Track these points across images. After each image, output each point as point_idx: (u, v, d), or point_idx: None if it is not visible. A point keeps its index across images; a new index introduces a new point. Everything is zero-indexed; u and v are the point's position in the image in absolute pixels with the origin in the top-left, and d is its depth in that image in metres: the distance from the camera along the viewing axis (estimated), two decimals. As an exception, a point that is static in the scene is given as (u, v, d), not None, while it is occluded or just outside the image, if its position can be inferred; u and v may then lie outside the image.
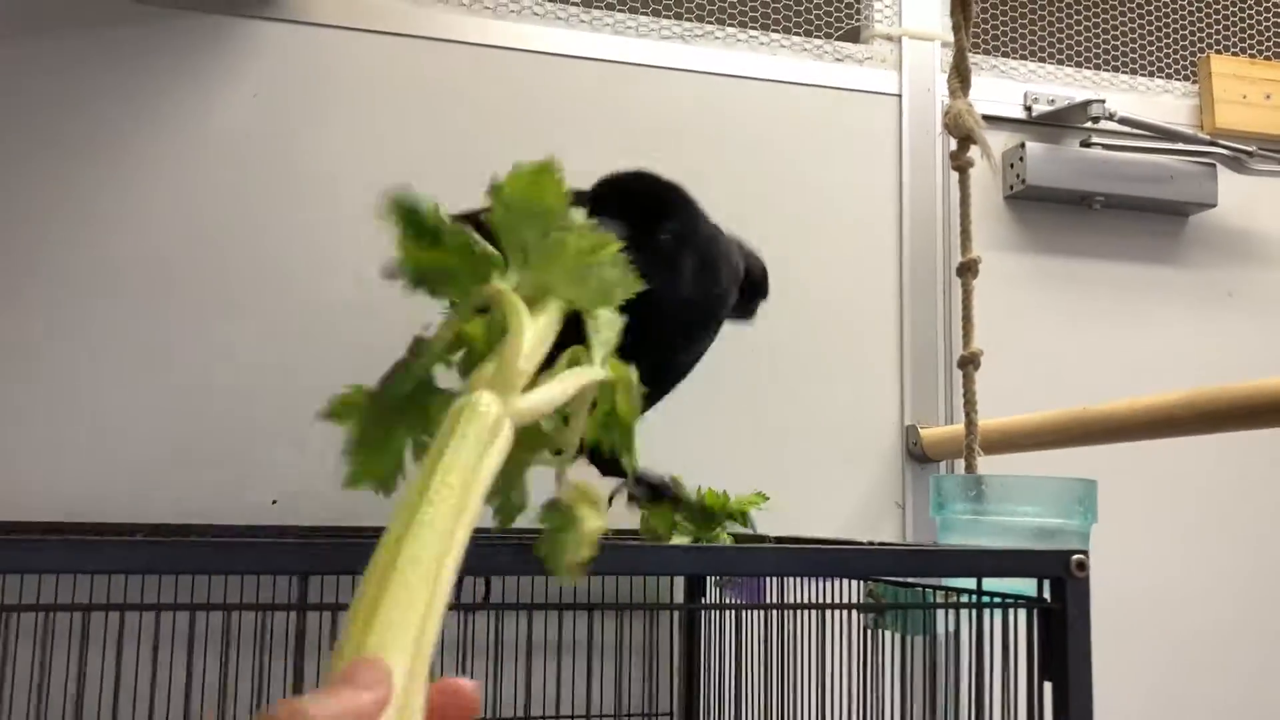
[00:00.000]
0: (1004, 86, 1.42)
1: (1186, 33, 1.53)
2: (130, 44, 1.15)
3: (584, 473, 0.62)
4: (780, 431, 1.27)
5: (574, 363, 0.51)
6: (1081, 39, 1.50)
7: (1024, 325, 1.38)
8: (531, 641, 1.09)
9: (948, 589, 0.73)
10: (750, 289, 0.89)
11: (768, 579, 0.99)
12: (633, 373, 0.55)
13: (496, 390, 0.44)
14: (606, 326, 0.53)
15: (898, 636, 0.76)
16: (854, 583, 0.83)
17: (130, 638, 0.59)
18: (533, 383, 0.47)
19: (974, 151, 1.02)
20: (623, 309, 0.54)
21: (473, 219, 0.85)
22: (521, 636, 1.06)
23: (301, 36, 1.19)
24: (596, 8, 1.30)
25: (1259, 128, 1.47)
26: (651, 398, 0.62)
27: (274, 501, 1.11)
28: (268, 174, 1.16)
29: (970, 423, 0.99)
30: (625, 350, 0.54)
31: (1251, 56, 1.54)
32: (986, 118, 1.32)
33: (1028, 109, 1.41)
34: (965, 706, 0.68)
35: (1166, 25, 1.52)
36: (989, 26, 1.47)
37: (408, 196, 0.51)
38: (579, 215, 0.55)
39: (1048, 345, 1.39)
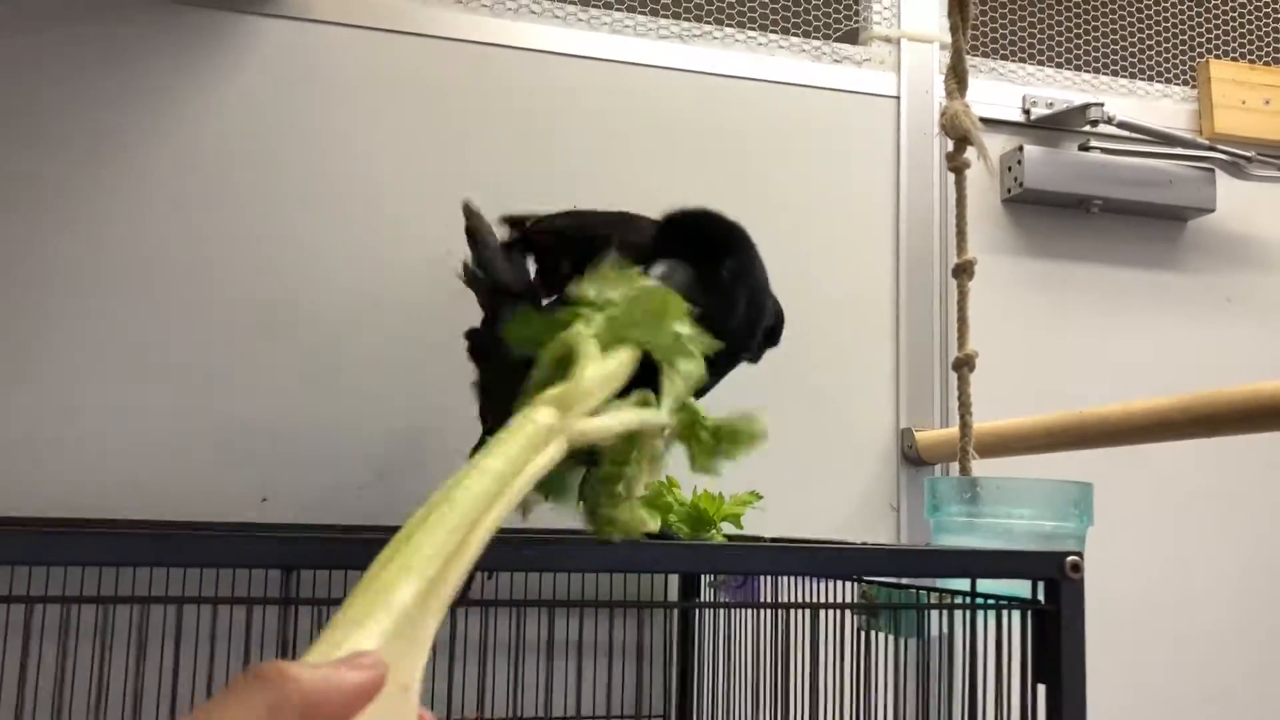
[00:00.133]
0: (1002, 89, 1.42)
1: (1186, 37, 1.53)
2: (127, 39, 1.14)
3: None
4: (775, 433, 1.26)
5: (642, 404, 0.57)
6: (1081, 42, 1.50)
7: (1021, 329, 1.38)
8: (524, 640, 1.08)
9: (942, 590, 0.72)
10: (766, 333, 0.93)
11: (762, 581, 0.98)
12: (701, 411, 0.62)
13: (556, 407, 0.48)
14: (683, 379, 0.60)
15: (892, 638, 0.76)
16: (849, 585, 0.82)
17: (112, 632, 0.58)
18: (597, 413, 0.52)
19: (970, 153, 1.01)
20: None
21: (519, 224, 0.89)
22: (511, 635, 1.06)
23: (299, 33, 1.19)
24: (594, 6, 1.30)
25: (1258, 133, 1.47)
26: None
27: (264, 499, 1.11)
28: (264, 171, 1.16)
29: (965, 425, 0.98)
30: None
31: (1251, 62, 1.54)
32: (985, 120, 1.32)
33: (1026, 112, 1.41)
34: (959, 709, 0.68)
35: (1166, 30, 1.52)
36: (988, 29, 1.46)
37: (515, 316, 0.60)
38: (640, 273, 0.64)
39: (1045, 349, 1.38)
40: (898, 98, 1.36)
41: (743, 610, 1.00)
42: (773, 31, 1.36)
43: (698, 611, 1.13)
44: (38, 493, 1.06)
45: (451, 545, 0.39)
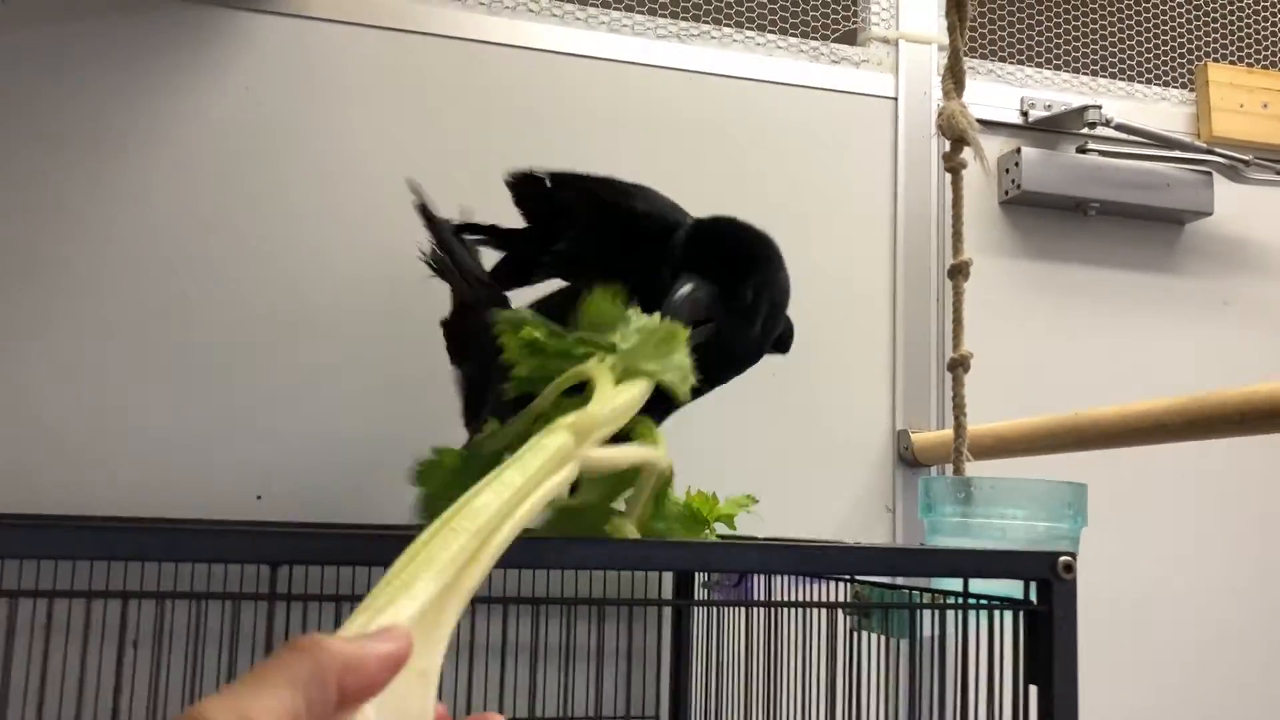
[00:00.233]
0: (1001, 91, 1.41)
1: (1184, 40, 1.52)
2: (122, 34, 1.14)
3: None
4: (771, 435, 1.26)
5: (649, 441, 0.61)
6: (1079, 45, 1.50)
7: (1018, 331, 1.37)
8: (517, 641, 1.08)
9: (934, 591, 0.72)
10: (776, 342, 0.94)
11: (755, 582, 0.98)
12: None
13: (573, 434, 0.50)
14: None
15: (884, 638, 0.76)
16: (841, 586, 0.82)
17: (96, 627, 0.58)
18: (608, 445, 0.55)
19: (967, 154, 1.01)
20: (697, 347, 0.65)
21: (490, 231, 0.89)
22: (500, 634, 1.05)
23: (295, 30, 1.18)
24: (592, 5, 1.29)
25: (1255, 136, 1.47)
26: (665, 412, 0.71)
27: (258, 497, 1.11)
28: (259, 168, 1.16)
29: (959, 426, 0.98)
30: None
31: (1249, 65, 1.53)
32: (983, 122, 1.31)
33: (1024, 114, 1.41)
34: (950, 709, 0.67)
35: (1164, 32, 1.52)
36: (986, 31, 1.46)
37: (518, 318, 0.62)
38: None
39: (1041, 351, 1.38)
40: (895, 99, 1.36)
41: (735, 610, 1.00)
42: (771, 32, 1.36)
43: (691, 611, 1.12)
44: (31, 489, 1.05)
45: (469, 551, 0.41)
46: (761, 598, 0.94)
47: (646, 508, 0.65)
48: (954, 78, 1.02)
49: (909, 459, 1.28)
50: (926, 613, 0.72)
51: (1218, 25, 1.54)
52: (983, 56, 1.44)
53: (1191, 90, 1.50)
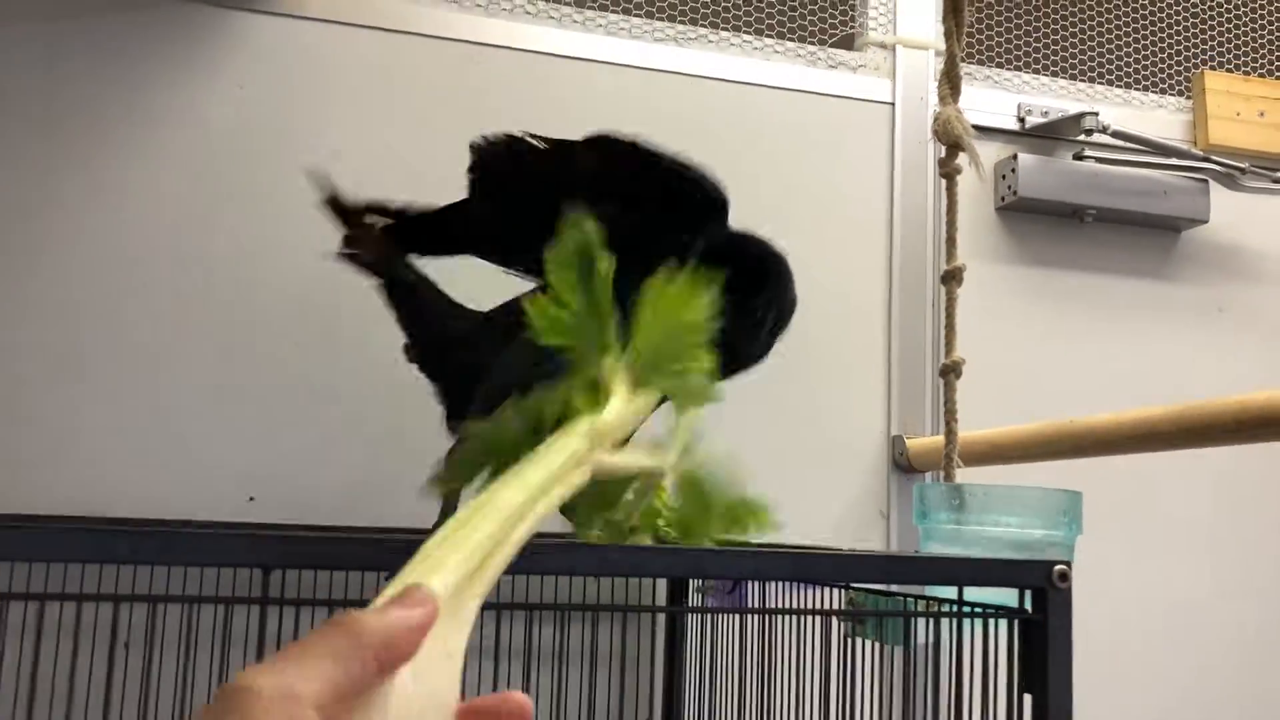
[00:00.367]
0: (997, 97, 1.41)
1: (1181, 48, 1.53)
2: (116, 32, 1.14)
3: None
4: (766, 439, 1.26)
5: (654, 448, 0.61)
6: (1076, 52, 1.50)
7: (1013, 337, 1.37)
8: (510, 644, 1.08)
9: (929, 598, 0.72)
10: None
11: (749, 587, 0.98)
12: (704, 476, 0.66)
13: (589, 438, 0.52)
14: (686, 430, 0.64)
15: (878, 646, 0.75)
16: (836, 592, 0.82)
17: (86, 630, 0.58)
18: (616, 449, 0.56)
19: (962, 159, 1.01)
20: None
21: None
22: (493, 640, 1.05)
23: (289, 30, 1.18)
24: (590, 8, 1.29)
25: (1252, 144, 1.47)
26: None
27: (250, 499, 1.10)
28: (253, 167, 1.15)
29: (950, 432, 0.98)
30: None
31: (1246, 73, 1.54)
32: (980, 128, 1.32)
33: (1021, 120, 1.41)
34: (945, 717, 0.67)
35: (1161, 40, 1.52)
36: (984, 37, 1.46)
37: (587, 231, 0.60)
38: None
39: (1037, 357, 1.38)
40: (892, 104, 1.36)
41: (730, 615, 1.00)
42: (768, 36, 1.36)
43: (685, 616, 1.12)
44: (23, 488, 1.05)
45: (491, 544, 0.42)
46: (756, 603, 0.94)
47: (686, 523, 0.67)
48: (950, 83, 1.02)
49: (904, 464, 1.28)
50: (921, 620, 0.71)
51: (1215, 33, 1.54)
52: (980, 62, 1.44)
53: (1188, 98, 1.50)
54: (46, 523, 0.97)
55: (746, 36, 1.34)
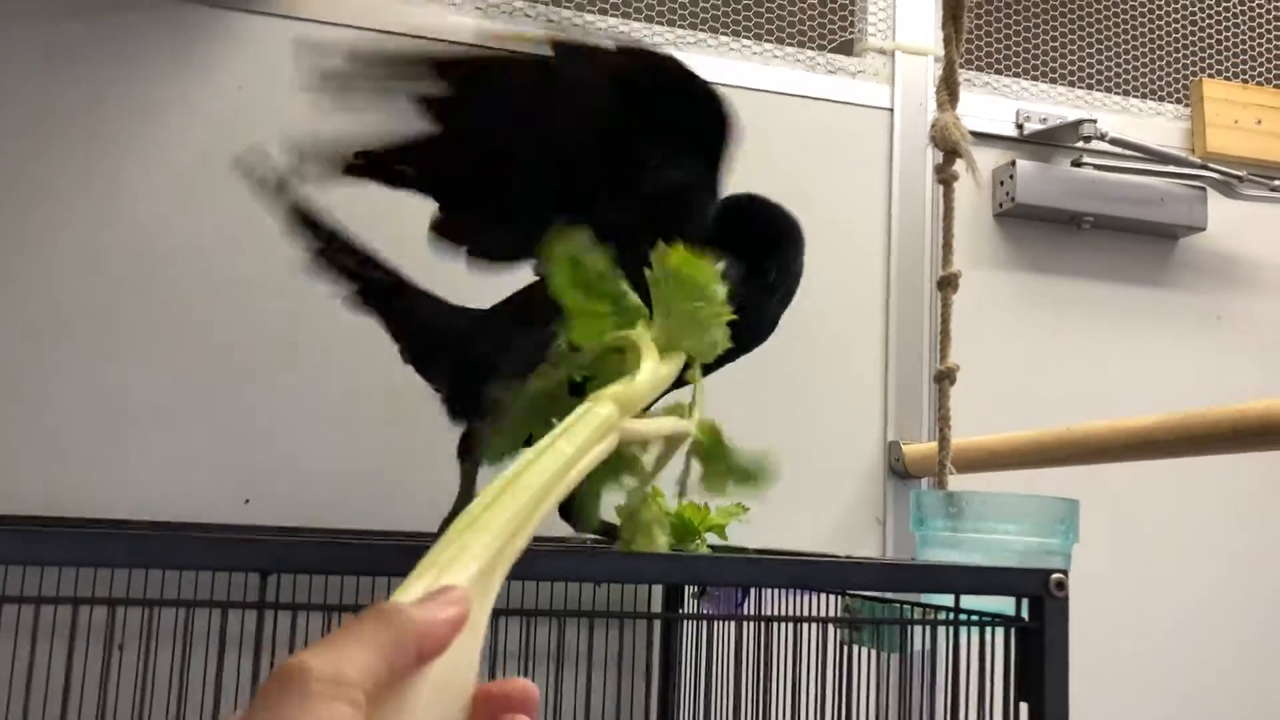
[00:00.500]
0: (996, 104, 1.42)
1: (1179, 56, 1.53)
2: (115, 32, 1.14)
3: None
4: (762, 444, 1.26)
5: (674, 413, 0.62)
6: (1075, 59, 1.50)
7: (1011, 343, 1.37)
8: (506, 648, 1.07)
9: (925, 606, 0.72)
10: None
11: (745, 593, 0.98)
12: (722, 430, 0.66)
13: (616, 404, 0.52)
14: (703, 392, 0.64)
15: (874, 653, 0.75)
16: (833, 599, 0.81)
17: (82, 632, 0.57)
18: (641, 415, 0.57)
19: (960, 165, 1.01)
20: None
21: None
22: (488, 643, 1.05)
23: (289, 31, 1.18)
24: (589, 13, 1.29)
25: (1250, 153, 1.47)
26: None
27: (247, 501, 1.10)
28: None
29: (943, 439, 0.98)
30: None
31: (1244, 81, 1.54)
32: (978, 135, 1.31)
33: (1019, 127, 1.41)
34: (940, 726, 0.67)
35: (1160, 48, 1.52)
36: (983, 43, 1.46)
37: (574, 244, 0.61)
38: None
39: (1034, 364, 1.38)
40: (891, 110, 1.36)
41: (725, 622, 0.99)
42: (768, 41, 1.36)
43: (680, 622, 1.12)
44: (18, 489, 1.05)
45: (521, 517, 0.43)
46: (752, 608, 0.94)
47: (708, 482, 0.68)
48: (948, 90, 1.02)
49: (900, 470, 1.28)
50: (918, 628, 0.71)
51: (1213, 41, 1.55)
52: (979, 69, 1.44)
53: (1186, 105, 1.50)
54: (42, 524, 0.97)
55: (746, 41, 1.34)
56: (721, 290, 0.63)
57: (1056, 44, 1.50)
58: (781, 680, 0.76)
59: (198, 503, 1.08)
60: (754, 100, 1.32)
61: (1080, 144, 1.41)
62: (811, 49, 1.37)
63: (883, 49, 1.38)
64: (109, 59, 1.13)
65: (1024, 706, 0.64)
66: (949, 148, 0.99)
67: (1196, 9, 1.55)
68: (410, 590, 0.39)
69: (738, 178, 1.29)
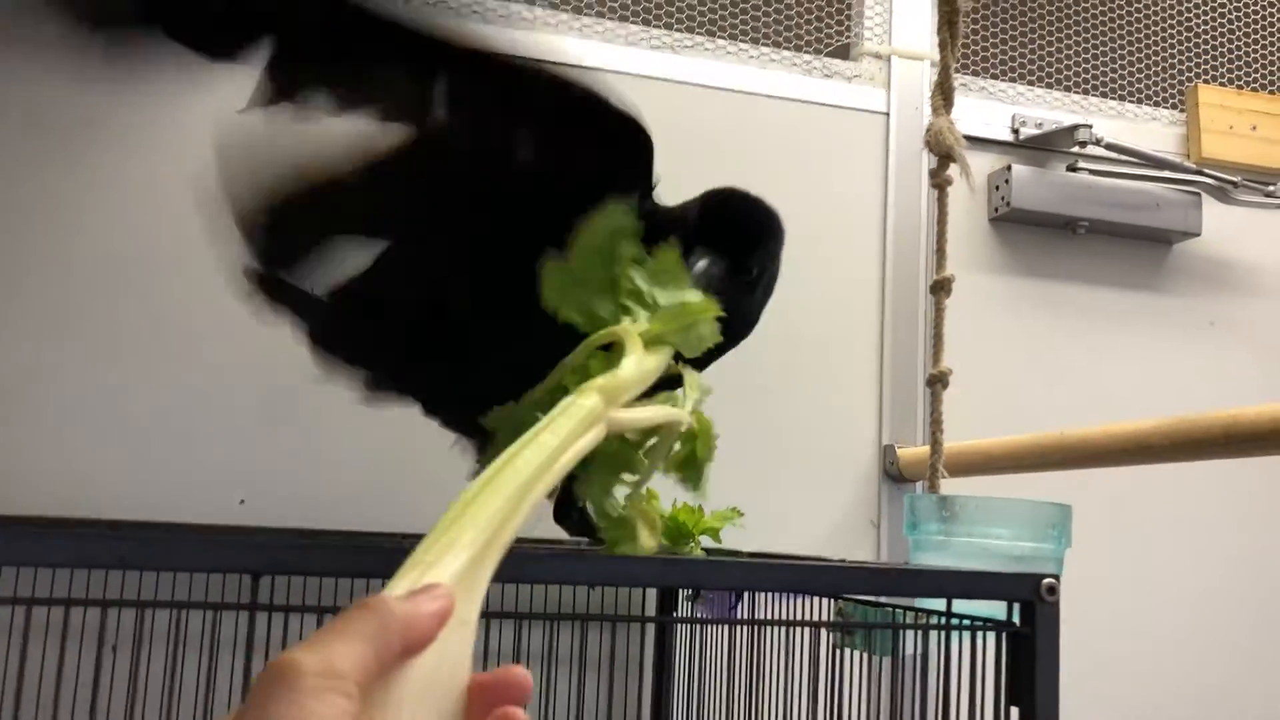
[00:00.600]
0: (991, 108, 1.42)
1: (1175, 62, 1.53)
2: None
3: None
4: (757, 448, 1.26)
5: (668, 403, 0.63)
6: (1070, 64, 1.50)
7: (1005, 348, 1.38)
8: (499, 649, 1.07)
9: (917, 610, 0.72)
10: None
11: (738, 596, 0.98)
12: (712, 426, 0.67)
13: (601, 395, 0.53)
14: (697, 387, 0.66)
15: (866, 656, 0.75)
16: (826, 601, 0.82)
17: (74, 633, 0.57)
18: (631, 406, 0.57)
19: (954, 170, 1.01)
20: None
21: None
22: (481, 647, 1.05)
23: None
24: (587, 15, 1.29)
25: (1245, 158, 1.47)
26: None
27: (241, 501, 1.10)
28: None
29: (936, 442, 0.98)
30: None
31: (1239, 87, 1.54)
32: (973, 139, 1.32)
33: (1015, 131, 1.41)
34: (931, 729, 0.67)
35: (1155, 53, 1.53)
36: (979, 48, 1.47)
37: (625, 218, 0.64)
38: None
39: (1029, 368, 1.38)
40: (887, 114, 1.36)
41: (718, 625, 0.99)
42: (764, 45, 1.36)
43: (675, 627, 1.12)
44: (11, 489, 1.05)
45: (509, 509, 0.44)
46: (745, 611, 0.94)
47: (679, 464, 0.68)
48: (943, 94, 1.02)
49: (895, 474, 1.28)
50: (909, 631, 0.72)
51: (1208, 47, 1.55)
52: (975, 74, 1.45)
53: (1182, 111, 1.51)
54: (34, 524, 0.97)
55: (742, 45, 1.34)
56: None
57: (1052, 49, 1.50)
58: (774, 683, 0.76)
59: (191, 503, 1.08)
60: (750, 104, 1.32)
61: (1075, 149, 1.41)
62: (808, 53, 1.37)
63: (878, 53, 1.38)
64: (110, 60, 1.13)
65: (1015, 711, 0.65)
66: (944, 152, 0.99)
67: (1192, 15, 1.55)
68: (396, 587, 0.39)
69: (735, 181, 1.30)
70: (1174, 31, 1.54)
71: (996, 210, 1.39)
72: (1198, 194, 1.44)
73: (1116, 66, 1.51)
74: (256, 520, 1.09)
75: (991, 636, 0.66)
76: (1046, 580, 0.65)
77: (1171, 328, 1.45)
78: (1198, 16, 1.55)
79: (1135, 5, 1.54)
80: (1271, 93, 1.56)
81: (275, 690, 0.32)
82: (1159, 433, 0.91)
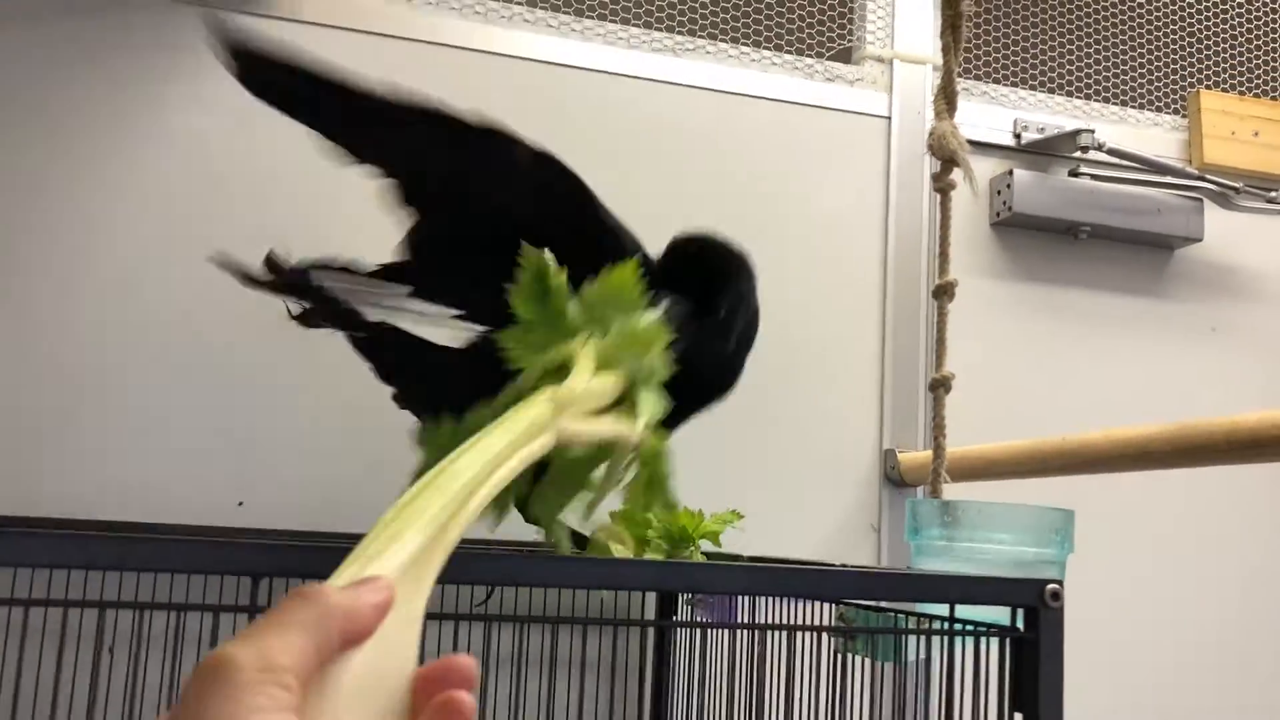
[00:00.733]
0: (994, 113, 1.42)
1: (1177, 67, 1.53)
2: (114, 35, 1.13)
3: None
4: (758, 452, 1.26)
5: (619, 418, 0.62)
6: (1073, 69, 1.50)
7: (1007, 353, 1.37)
8: (499, 652, 1.07)
9: (920, 615, 0.71)
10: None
11: (739, 600, 0.97)
12: (668, 444, 0.66)
13: (553, 404, 0.53)
14: (652, 406, 0.65)
15: (868, 662, 0.75)
16: (827, 606, 0.81)
17: (72, 634, 0.57)
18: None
19: (957, 174, 1.01)
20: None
21: None
22: (481, 650, 1.05)
23: (287, 34, 1.18)
24: (589, 17, 1.29)
25: (1246, 164, 1.47)
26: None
27: (240, 503, 1.10)
28: (249, 171, 1.15)
29: (938, 447, 0.98)
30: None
31: (1241, 93, 1.54)
32: (975, 144, 1.32)
33: (1017, 136, 1.41)
34: (934, 735, 0.67)
35: (1158, 59, 1.53)
36: (981, 52, 1.46)
37: (541, 259, 0.64)
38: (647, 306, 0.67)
39: (1030, 373, 1.38)
40: (889, 118, 1.36)
41: (719, 629, 0.99)
42: (766, 48, 1.36)
43: (674, 631, 1.12)
44: (10, 492, 1.04)
45: (451, 510, 0.44)
46: (746, 615, 0.94)
47: (638, 494, 0.68)
48: (946, 98, 1.02)
49: (895, 479, 1.28)
50: (912, 637, 0.71)
51: (1211, 53, 1.55)
52: (977, 78, 1.44)
53: (1184, 116, 1.51)
54: (34, 524, 0.97)
55: (744, 48, 1.34)
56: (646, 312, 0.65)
57: (1055, 54, 1.50)
58: (776, 688, 0.76)
59: (190, 505, 1.08)
60: (752, 107, 1.32)
61: (1078, 154, 1.41)
62: (810, 56, 1.37)
63: (881, 57, 1.38)
64: (106, 62, 1.13)
65: (1019, 717, 0.64)
66: (946, 156, 0.99)
67: (1195, 21, 1.55)
68: (338, 579, 0.39)
69: (735, 185, 1.30)
70: (1176, 37, 1.54)
71: (998, 215, 1.39)
72: (1199, 199, 1.44)
73: (1119, 72, 1.51)
74: (255, 523, 1.09)
75: (995, 642, 0.66)
76: (1051, 585, 0.64)
77: (1173, 333, 1.44)
78: (1200, 22, 1.55)
79: (1138, 10, 1.54)
80: (1274, 98, 1.56)
81: (210, 686, 0.31)
82: (1160, 438, 0.90)
